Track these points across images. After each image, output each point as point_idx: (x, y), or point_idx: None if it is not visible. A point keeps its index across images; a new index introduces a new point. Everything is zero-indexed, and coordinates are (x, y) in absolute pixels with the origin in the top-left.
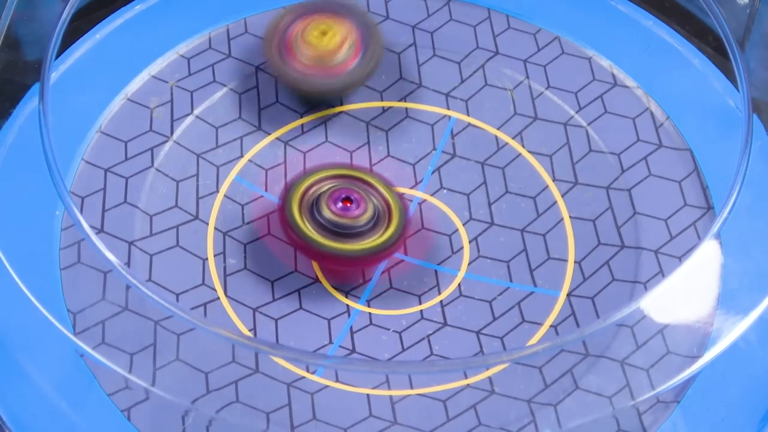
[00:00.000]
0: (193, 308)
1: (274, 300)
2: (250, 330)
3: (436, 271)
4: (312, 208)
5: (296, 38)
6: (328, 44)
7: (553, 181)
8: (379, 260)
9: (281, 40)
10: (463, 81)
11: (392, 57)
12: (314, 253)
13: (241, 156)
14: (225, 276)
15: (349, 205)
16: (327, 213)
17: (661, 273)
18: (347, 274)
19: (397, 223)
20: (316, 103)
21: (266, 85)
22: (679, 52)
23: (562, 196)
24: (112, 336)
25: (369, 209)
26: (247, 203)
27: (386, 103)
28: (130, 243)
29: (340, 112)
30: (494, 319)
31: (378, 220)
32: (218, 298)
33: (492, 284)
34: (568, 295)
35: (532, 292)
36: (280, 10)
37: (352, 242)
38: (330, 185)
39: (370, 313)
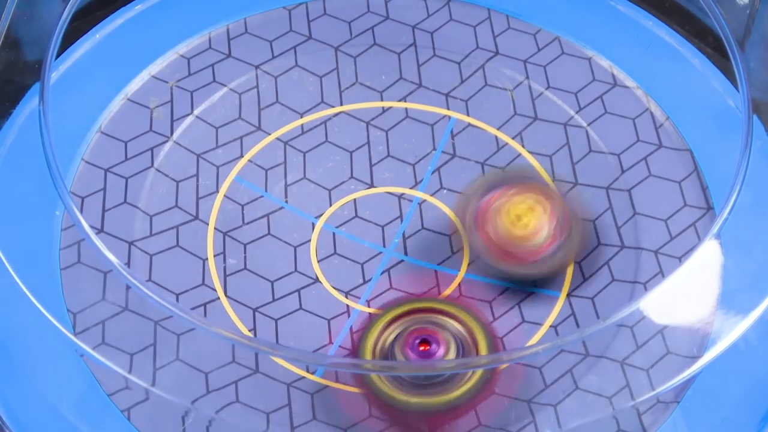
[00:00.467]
0: (193, 308)
1: (274, 300)
2: (250, 330)
3: (436, 271)
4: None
5: (493, 211)
6: (524, 230)
7: (553, 181)
8: (481, 401)
9: (477, 207)
10: (463, 81)
11: (392, 57)
12: (408, 417)
13: (241, 156)
14: (225, 276)
15: (427, 348)
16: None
17: (661, 273)
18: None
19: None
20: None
21: (266, 85)
22: (679, 52)
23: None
24: (112, 336)
25: (451, 344)
26: (247, 203)
27: (386, 103)
28: (130, 243)
29: (340, 112)
30: (494, 319)
31: (465, 355)
32: (218, 298)
33: (492, 284)
34: (568, 295)
35: (532, 292)
36: (481, 178)
37: (444, 390)
38: (401, 328)
39: (370, 314)
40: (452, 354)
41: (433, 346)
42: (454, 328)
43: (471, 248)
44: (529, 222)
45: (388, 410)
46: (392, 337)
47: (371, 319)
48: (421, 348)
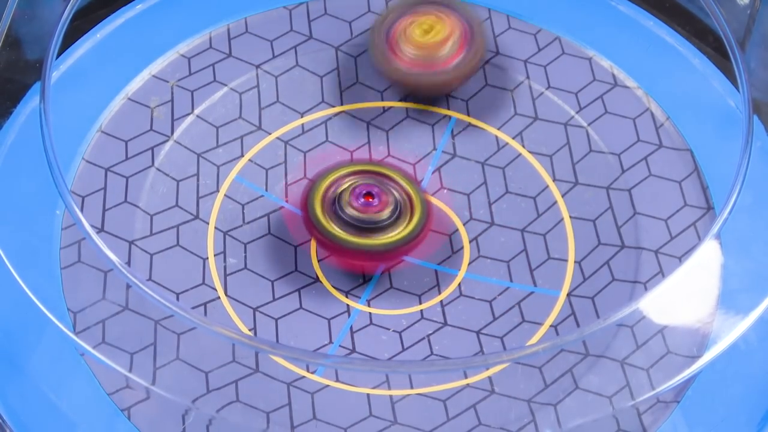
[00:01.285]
0: (193, 308)
1: (274, 300)
2: (250, 329)
3: (436, 271)
4: (334, 206)
5: (400, 36)
6: (432, 41)
7: (553, 181)
8: (405, 252)
9: (385, 38)
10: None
11: None
12: (340, 251)
13: (242, 156)
14: (225, 275)
15: (370, 200)
16: (350, 210)
17: (661, 273)
18: (373, 268)
19: (419, 214)
20: (422, 99)
21: (267, 85)
22: (679, 52)
23: (563, 196)
24: (113, 335)
25: (390, 203)
26: (248, 203)
27: (386, 103)
28: (131, 242)
29: (341, 112)
30: (494, 319)
31: (400, 214)
32: (218, 298)
33: (492, 284)
34: (568, 295)
35: (532, 292)
36: (385, 9)
37: (377, 237)
38: (350, 182)
39: (370, 313)
40: (389, 209)
41: (375, 200)
42: (398, 192)
43: (391, 79)
44: (438, 31)
45: (334, 248)
46: (343, 187)
47: (326, 170)
48: (365, 198)
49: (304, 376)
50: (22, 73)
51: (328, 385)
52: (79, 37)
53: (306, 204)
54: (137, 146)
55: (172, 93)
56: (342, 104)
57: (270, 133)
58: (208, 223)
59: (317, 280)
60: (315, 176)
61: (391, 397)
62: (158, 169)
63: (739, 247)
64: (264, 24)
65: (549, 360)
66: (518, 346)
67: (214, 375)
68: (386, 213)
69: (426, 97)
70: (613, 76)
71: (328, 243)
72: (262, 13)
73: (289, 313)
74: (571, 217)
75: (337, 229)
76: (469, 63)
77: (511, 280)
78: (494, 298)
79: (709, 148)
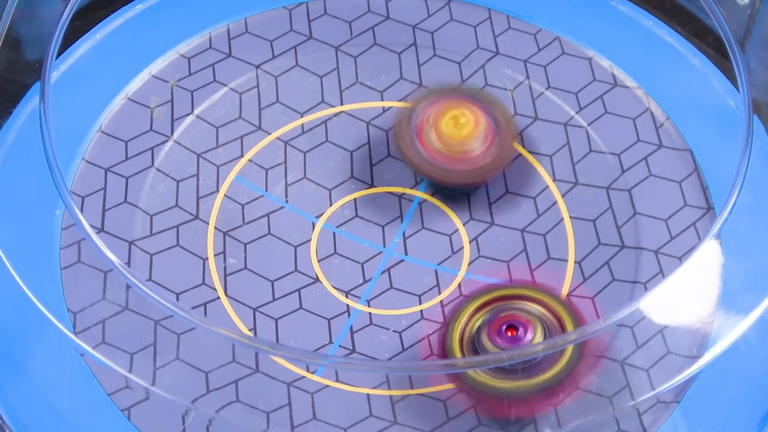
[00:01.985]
0: (193, 308)
1: (274, 300)
2: (250, 330)
3: (436, 271)
4: (476, 350)
5: (427, 126)
6: (460, 133)
7: (553, 181)
8: (572, 386)
9: (412, 126)
10: (463, 81)
11: (392, 57)
12: (499, 401)
13: (242, 156)
14: (225, 276)
15: (514, 334)
16: (493, 349)
17: (661, 273)
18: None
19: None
20: (448, 189)
21: (267, 85)
22: (679, 52)
23: (563, 196)
24: (113, 335)
25: (538, 329)
26: (248, 203)
27: (386, 103)
28: (131, 243)
29: (341, 112)
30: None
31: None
32: (218, 298)
33: (492, 284)
34: (568, 295)
35: None
36: (413, 97)
37: (534, 375)
38: (484, 318)
39: (370, 313)
40: (539, 336)
41: (521, 330)
42: (537, 311)
43: (414, 162)
44: (467, 122)
45: (477, 395)
46: (477, 324)
47: (455, 310)
48: (509, 333)
49: (304, 376)
50: (22, 73)
51: (328, 386)
52: (79, 37)
53: (444, 351)
54: (137, 146)
55: (172, 93)
56: (342, 104)
57: (270, 133)
58: (208, 223)
59: (317, 280)
60: (448, 319)
61: (391, 397)
62: (158, 170)
63: (739, 247)
64: (264, 24)
65: None
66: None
67: (214, 375)
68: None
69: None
70: (613, 76)
71: (482, 395)
72: (262, 13)
73: (289, 313)
74: (571, 217)
75: (485, 376)
76: (497, 159)
77: (511, 280)
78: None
79: (709, 148)
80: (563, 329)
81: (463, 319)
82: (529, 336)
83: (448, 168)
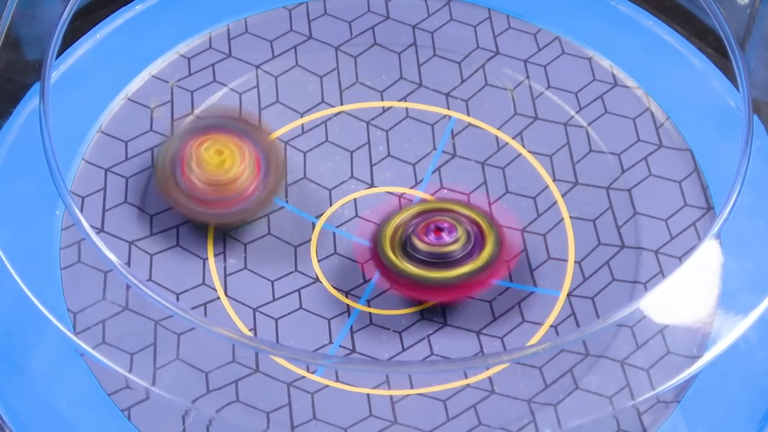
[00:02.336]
0: (193, 308)
1: (274, 300)
2: (250, 330)
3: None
4: (406, 248)
5: (189, 162)
6: (226, 174)
7: (553, 181)
8: (481, 284)
9: (174, 166)
10: (463, 81)
11: (392, 57)
12: (429, 290)
13: None
14: (225, 276)
15: (440, 234)
16: (423, 247)
17: (661, 273)
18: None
19: (492, 245)
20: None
21: (266, 85)
22: (679, 52)
23: (563, 196)
24: (113, 336)
25: (462, 235)
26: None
27: (386, 103)
28: (130, 243)
29: (341, 112)
30: (494, 319)
31: (474, 246)
32: (218, 298)
33: (492, 284)
34: (568, 295)
35: (532, 292)
36: (171, 133)
37: (451, 270)
38: (415, 222)
39: (370, 313)
40: (462, 238)
41: (445, 232)
42: (463, 220)
43: (183, 211)
44: (229, 162)
45: (410, 285)
46: (411, 226)
47: (389, 215)
48: (435, 234)
49: (304, 376)
50: (21, 73)
51: (328, 385)
52: (79, 38)
53: (377, 254)
54: (137, 146)
55: (172, 93)
56: (342, 104)
57: (270, 133)
58: (207, 224)
59: (317, 280)
60: (381, 220)
61: (391, 397)
62: None
63: (739, 247)
64: (264, 24)
65: (549, 360)
66: (518, 346)
67: (214, 375)
68: (458, 246)
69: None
70: (613, 75)
71: (402, 280)
72: (262, 13)
73: (289, 313)
74: (571, 217)
75: (408, 265)
76: (266, 193)
77: (511, 280)
78: (494, 298)
79: (709, 148)
80: (484, 239)
81: (396, 221)
82: (453, 236)
83: (211, 207)
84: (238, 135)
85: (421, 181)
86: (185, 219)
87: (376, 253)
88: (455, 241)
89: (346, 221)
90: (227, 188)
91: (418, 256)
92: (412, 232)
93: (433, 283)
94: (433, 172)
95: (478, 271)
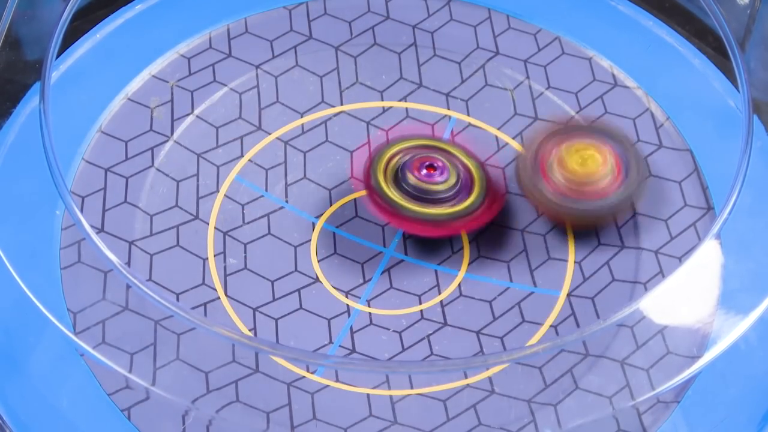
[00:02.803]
0: (193, 308)
1: (274, 300)
2: (250, 330)
3: (436, 271)
4: (397, 176)
5: (552, 164)
6: (588, 170)
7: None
8: (466, 226)
9: (535, 163)
10: (463, 81)
11: (392, 57)
12: (401, 219)
13: (242, 156)
14: (225, 276)
15: (432, 172)
16: (412, 180)
17: (661, 273)
18: (434, 240)
19: (479, 188)
20: (578, 228)
21: (266, 85)
22: (679, 52)
23: None
24: (113, 335)
25: (452, 176)
26: (248, 203)
27: (386, 103)
28: (131, 243)
29: (341, 112)
30: (494, 319)
31: (462, 187)
32: (218, 298)
33: (492, 284)
34: (568, 295)
35: (532, 292)
36: (533, 132)
37: (438, 208)
38: (412, 154)
39: (370, 313)
40: (452, 180)
41: (437, 172)
42: (455, 162)
43: (537, 198)
44: (595, 160)
45: (395, 216)
46: (406, 158)
47: (388, 142)
48: (428, 170)
49: (304, 376)
50: (21, 73)
51: (328, 385)
52: (79, 37)
53: (369, 173)
54: (137, 146)
55: (172, 93)
56: (342, 104)
57: (270, 134)
58: (208, 224)
59: (317, 280)
60: (378, 147)
61: (391, 397)
62: (158, 170)
63: (739, 247)
64: (264, 24)
65: (549, 360)
66: (518, 347)
67: (214, 375)
68: (448, 185)
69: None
70: (613, 76)
71: (389, 209)
72: (262, 13)
73: (289, 313)
74: None
75: (398, 197)
76: (626, 193)
77: (511, 280)
78: (494, 298)
79: (709, 148)
80: (472, 184)
81: (389, 153)
82: (443, 177)
83: (575, 204)
84: (599, 139)
85: None
86: (546, 217)
87: (368, 173)
88: (444, 182)
89: (346, 221)
90: (588, 187)
91: (406, 187)
92: (405, 165)
93: (421, 218)
94: None
95: (460, 213)
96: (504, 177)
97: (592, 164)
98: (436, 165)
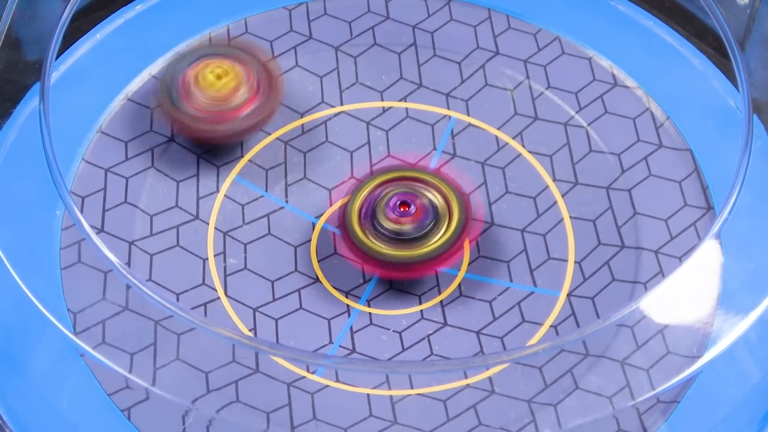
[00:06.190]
0: (193, 308)
1: (274, 300)
2: (250, 330)
3: (436, 271)
4: (372, 216)
5: (190, 82)
6: (223, 88)
7: (553, 181)
8: (439, 265)
9: (176, 83)
10: (463, 81)
11: (392, 57)
12: (374, 263)
13: (242, 156)
14: (225, 276)
15: (406, 209)
16: (384, 221)
17: (661, 273)
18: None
19: (455, 225)
20: (210, 147)
21: None
22: (679, 52)
23: (562, 196)
24: (113, 336)
25: (427, 213)
26: (248, 203)
27: (386, 103)
28: (131, 243)
29: (341, 112)
30: (494, 319)
31: (435, 225)
32: (218, 298)
33: (492, 284)
34: (568, 295)
35: (532, 292)
36: (178, 53)
37: (413, 247)
38: (390, 189)
39: (370, 313)
40: (426, 220)
41: (411, 207)
42: (432, 197)
43: (178, 127)
44: (231, 78)
45: (375, 264)
46: (380, 196)
47: (359, 184)
48: (401, 209)
49: (304, 377)
50: (21, 73)
51: (328, 386)
52: (79, 38)
53: (344, 212)
54: (137, 147)
55: None
56: (342, 104)
57: (270, 134)
58: (208, 224)
59: (317, 280)
60: (356, 184)
61: (391, 397)
62: (158, 170)
63: (739, 247)
64: (264, 24)
65: (549, 360)
66: (518, 347)
67: (214, 375)
68: (421, 224)
69: (214, 144)
70: (613, 76)
71: (361, 254)
72: (262, 13)
73: (289, 313)
74: (571, 217)
75: (377, 243)
76: (260, 114)
77: (511, 280)
78: (494, 298)
79: (709, 148)
80: (450, 217)
81: (363, 194)
82: (418, 215)
83: (211, 123)
84: (237, 59)
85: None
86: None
87: (344, 214)
88: (418, 221)
89: None
90: (224, 104)
91: (380, 228)
92: (378, 204)
93: (384, 259)
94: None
95: (432, 254)
96: (487, 207)
97: (227, 81)
98: (410, 202)
